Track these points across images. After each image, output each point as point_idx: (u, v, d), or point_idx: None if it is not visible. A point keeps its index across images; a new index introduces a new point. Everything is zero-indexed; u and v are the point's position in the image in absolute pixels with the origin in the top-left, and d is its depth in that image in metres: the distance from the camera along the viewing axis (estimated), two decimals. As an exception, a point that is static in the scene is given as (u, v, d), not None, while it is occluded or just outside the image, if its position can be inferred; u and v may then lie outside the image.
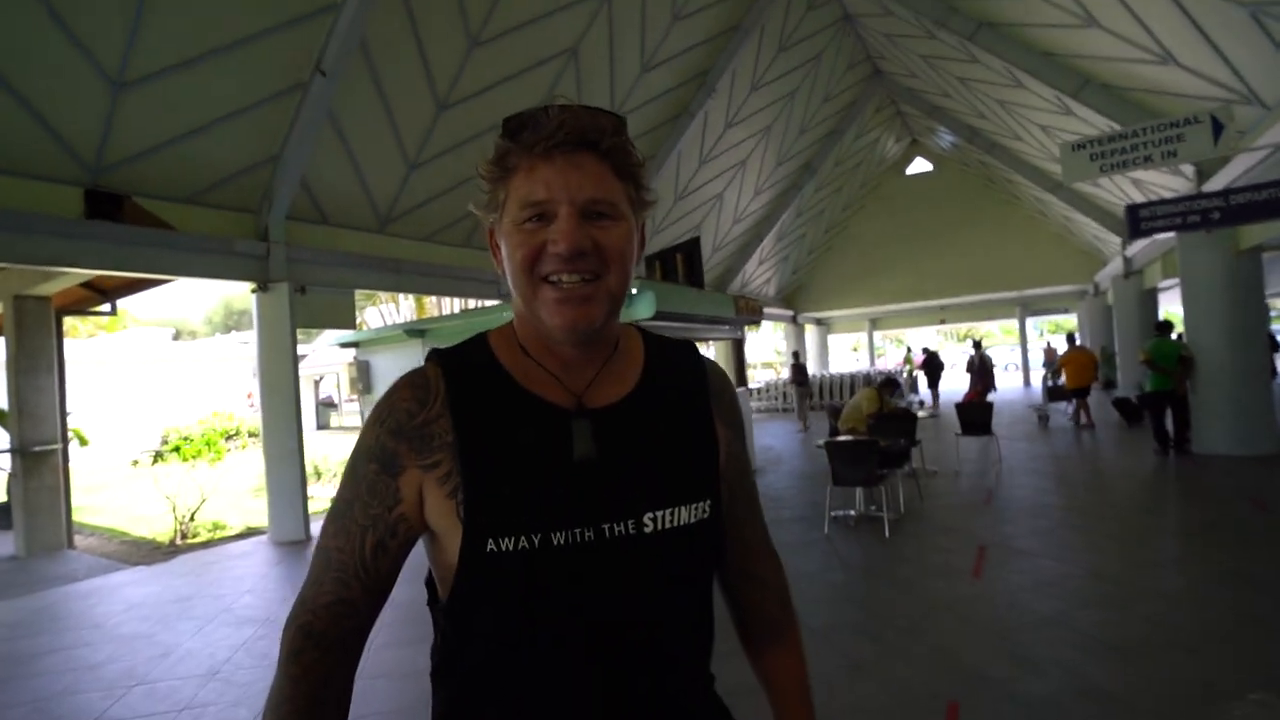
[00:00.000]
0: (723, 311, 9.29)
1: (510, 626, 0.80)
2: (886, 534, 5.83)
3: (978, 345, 16.45)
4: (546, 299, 0.78)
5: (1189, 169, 8.66)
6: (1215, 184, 7.70)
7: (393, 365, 10.05)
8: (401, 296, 23.92)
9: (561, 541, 0.78)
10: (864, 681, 3.27)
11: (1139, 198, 10.56)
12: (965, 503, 6.91)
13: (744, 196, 15.31)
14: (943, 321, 23.44)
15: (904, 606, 4.21)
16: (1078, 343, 12.73)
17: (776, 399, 19.98)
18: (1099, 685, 3.07)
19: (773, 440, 13.21)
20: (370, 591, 0.82)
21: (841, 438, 6.78)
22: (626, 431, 0.84)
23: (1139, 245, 12.62)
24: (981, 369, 15.59)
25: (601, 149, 0.78)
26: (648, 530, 0.81)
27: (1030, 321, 23.47)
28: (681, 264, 10.10)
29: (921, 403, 15.79)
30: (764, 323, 21.78)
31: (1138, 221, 6.50)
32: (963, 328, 34.06)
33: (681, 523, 0.84)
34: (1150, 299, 14.02)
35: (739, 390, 10.34)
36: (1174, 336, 8.84)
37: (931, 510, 6.68)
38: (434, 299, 22.70)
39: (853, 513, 6.50)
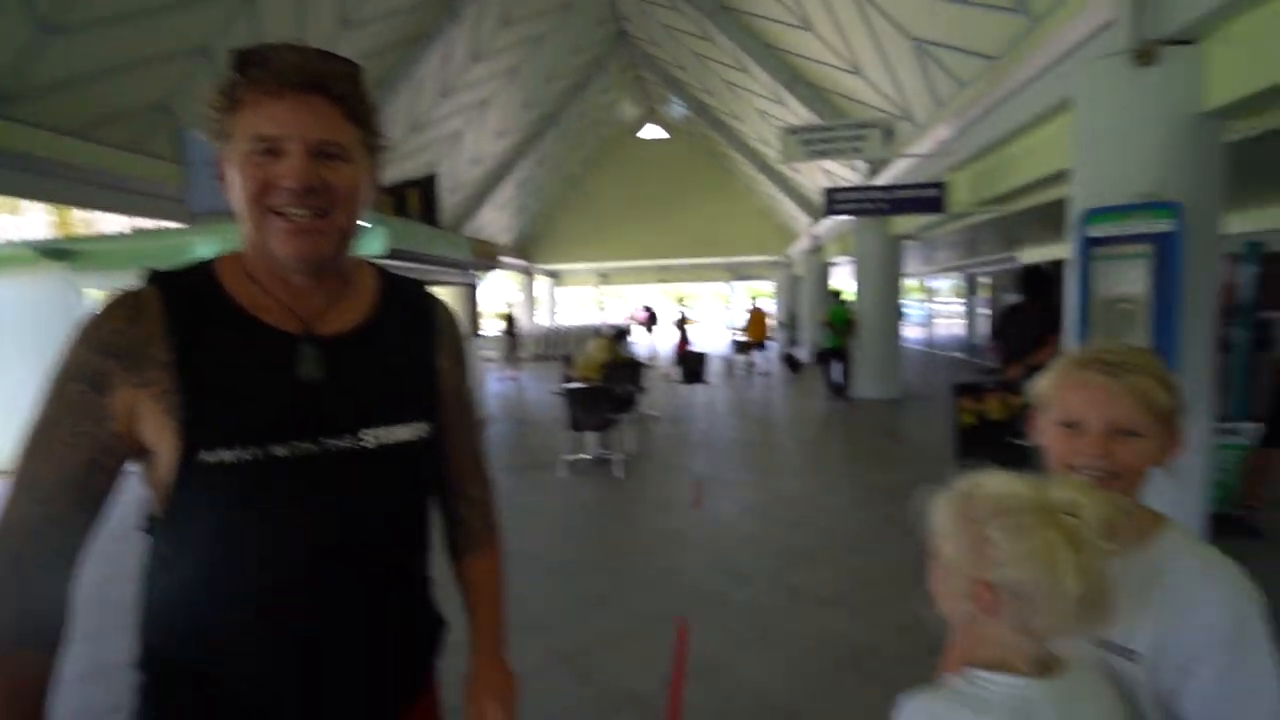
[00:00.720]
0: (459, 254, 8.86)
1: (228, 537, 0.84)
2: (618, 474, 6.20)
3: (679, 302, 18.20)
4: (275, 230, 0.81)
5: (864, 165, 10.48)
6: (881, 180, 9.42)
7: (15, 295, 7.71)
8: (36, 206, 18.49)
9: (284, 454, 0.82)
10: (606, 611, 3.44)
11: (825, 184, 12.48)
12: (684, 444, 7.65)
13: (485, 138, 14.71)
14: (664, 281, 25.43)
15: (637, 540, 4.53)
16: (756, 305, 15.46)
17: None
18: (794, 585, 3.67)
19: (505, 389, 13.21)
20: (80, 507, 0.82)
21: (576, 385, 6.99)
22: (353, 357, 0.90)
23: (823, 226, 14.98)
24: (683, 326, 17.33)
25: (334, 94, 0.81)
26: (367, 445, 0.88)
27: (742, 285, 26.65)
28: (417, 201, 9.39)
29: (654, 354, 17.21)
30: (498, 272, 21.49)
31: (833, 203, 7.72)
32: (689, 289, 37.20)
33: (399, 440, 0.91)
34: (826, 271, 16.86)
35: (472, 338, 10.07)
36: (844, 303, 10.75)
37: (657, 451, 7.28)
38: (88, 214, 17.97)
39: (587, 456, 6.79)
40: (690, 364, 10.07)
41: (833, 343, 10.41)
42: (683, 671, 2.85)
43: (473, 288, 10.48)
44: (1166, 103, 3.55)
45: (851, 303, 10.69)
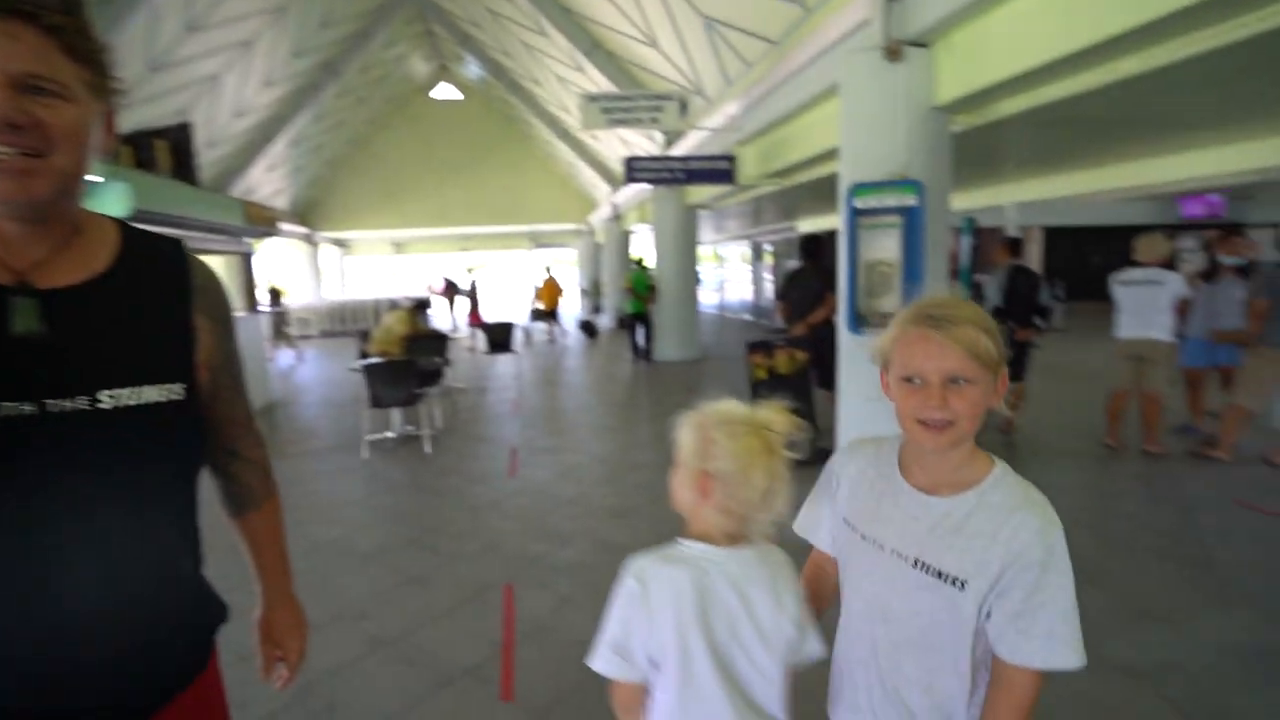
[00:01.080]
0: (229, 218, 7.80)
1: None
2: (427, 450, 5.97)
3: (467, 271, 17.57)
4: None
5: (660, 136, 10.89)
6: (676, 151, 9.87)
7: None
8: None
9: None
10: (427, 591, 3.33)
11: (624, 153, 12.79)
12: (495, 414, 7.55)
13: (250, 86, 12.91)
14: (465, 250, 24.51)
15: (453, 514, 4.42)
16: (551, 274, 15.51)
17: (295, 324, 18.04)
18: (614, 541, 3.83)
19: (291, 368, 11.99)
20: None
21: (375, 360, 6.56)
22: (86, 312, 0.84)
23: (623, 193, 15.36)
24: (474, 296, 16.83)
25: (43, 24, 0.74)
26: (104, 407, 0.82)
27: (544, 254, 26.44)
28: (166, 153, 8.03)
29: (455, 326, 16.52)
30: (275, 240, 19.24)
31: (633, 171, 7.94)
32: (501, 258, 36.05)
33: (147, 401, 0.85)
34: (627, 239, 17.37)
35: (253, 314, 8.97)
36: (645, 269, 11.19)
37: (466, 424, 7.10)
38: None
39: (391, 434, 6.43)
40: (495, 334, 9.91)
41: (635, 308, 10.82)
42: (513, 636, 2.87)
43: (247, 257, 9.27)
44: (910, 95, 4.14)
45: (651, 269, 11.17)
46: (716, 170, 7.92)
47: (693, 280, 11.54)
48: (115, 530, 0.85)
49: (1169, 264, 5.01)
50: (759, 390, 5.20)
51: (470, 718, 2.34)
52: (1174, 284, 4.86)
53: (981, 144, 5.90)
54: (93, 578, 0.83)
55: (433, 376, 7.10)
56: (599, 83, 10.71)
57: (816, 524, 1.15)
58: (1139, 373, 4.96)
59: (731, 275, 20.98)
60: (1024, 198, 10.60)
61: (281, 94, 14.14)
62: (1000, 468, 0.97)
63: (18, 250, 0.82)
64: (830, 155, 6.29)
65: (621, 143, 13.35)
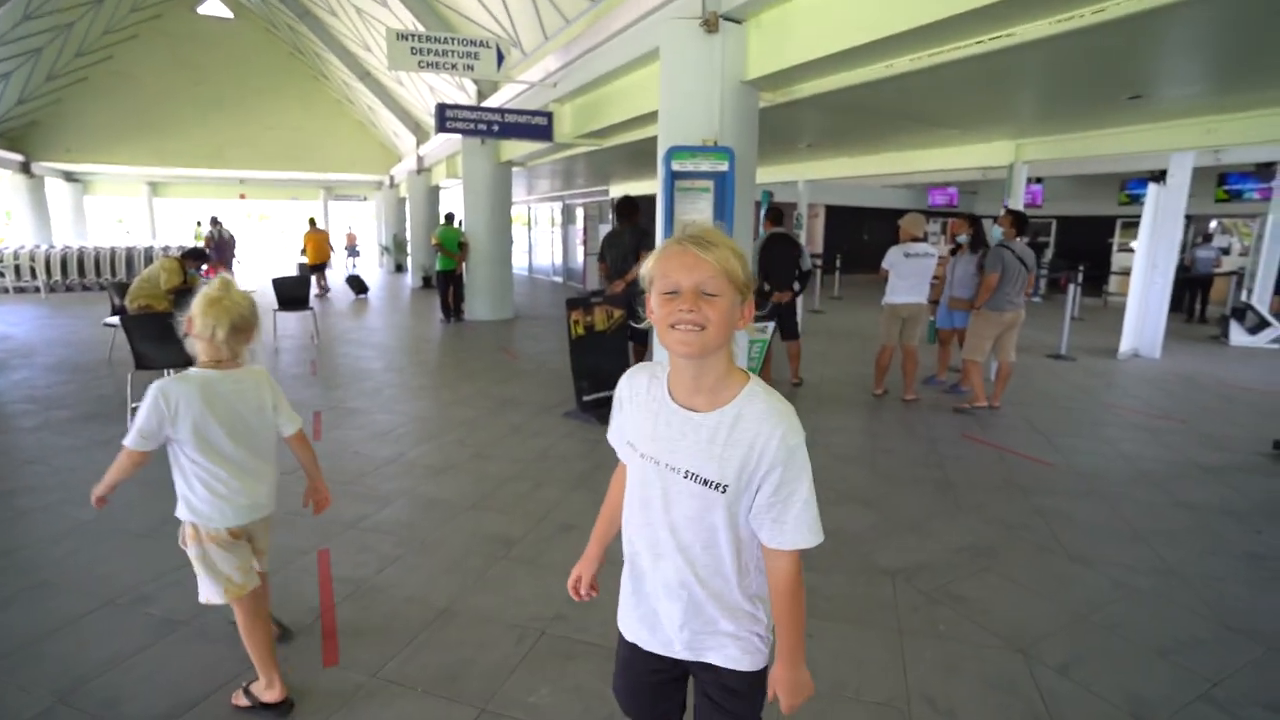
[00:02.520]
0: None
1: None
2: (212, 416, 5.30)
3: (215, 221, 15.58)
4: None
5: (472, 87, 10.39)
6: (490, 103, 9.51)
7: None
8: None
9: None
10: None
11: (433, 101, 12.05)
12: (292, 375, 6.88)
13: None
14: (243, 197, 21.62)
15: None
16: (318, 226, 14.84)
17: (9, 273, 14.69)
18: (435, 496, 3.75)
19: (12, 328, 9.84)
20: None
21: (134, 314, 5.66)
22: None
23: (429, 146, 14.48)
24: (221, 245, 15.03)
25: None
26: None
27: (341, 206, 24.09)
28: None
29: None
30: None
31: (444, 119, 7.49)
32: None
33: None
34: (435, 194, 16.46)
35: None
36: (455, 226, 10.73)
37: (258, 387, 6.38)
38: None
39: (164, 399, 5.60)
40: (287, 289, 8.92)
41: (445, 265, 10.38)
42: (330, 598, 2.72)
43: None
44: (724, 67, 4.40)
45: (462, 227, 10.75)
46: (534, 126, 7.78)
47: (507, 239, 11.31)
48: None
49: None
50: (577, 346, 5.30)
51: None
52: (936, 258, 5.83)
53: (781, 122, 6.44)
54: None
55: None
56: (404, 20, 9.94)
57: (617, 440, 1.25)
58: (903, 333, 5.84)
59: (541, 237, 20.82)
60: (812, 176, 11.80)
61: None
62: (752, 382, 1.10)
63: None
64: (648, 119, 6.49)
65: (430, 90, 12.54)
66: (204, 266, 8.24)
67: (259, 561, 2.16)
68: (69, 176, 18.88)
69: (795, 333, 6.21)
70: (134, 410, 5.23)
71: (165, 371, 5.48)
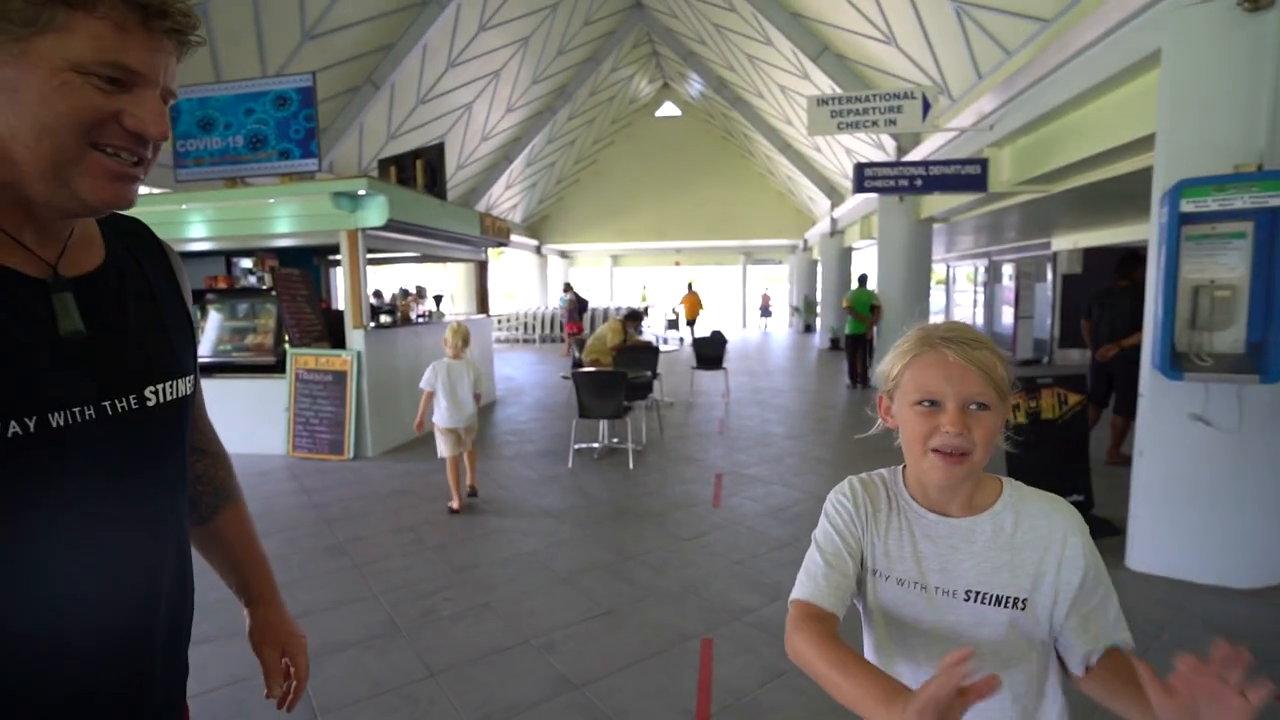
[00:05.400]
0: (467, 228, 8.44)
1: (16, 522, 0.70)
2: (630, 465, 5.81)
3: (568, 287, 17.28)
4: (96, 168, 0.70)
5: (890, 145, 9.93)
6: (913, 157, 8.89)
7: None
8: None
9: (61, 422, 0.71)
10: (618, 628, 3.05)
11: (849, 163, 11.93)
12: (700, 433, 7.24)
13: (495, 112, 14.21)
14: (677, 264, 24.90)
15: (651, 542, 4.13)
16: (693, 288, 18.10)
17: (518, 329, 19.56)
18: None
19: (513, 371, 12.83)
20: None
21: (587, 369, 6.59)
22: (107, 304, 0.79)
23: (844, 209, 14.42)
24: (576, 307, 16.40)
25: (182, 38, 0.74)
26: (151, 404, 0.80)
27: (757, 270, 26.05)
28: (422, 172, 8.93)
29: (666, 339, 16.79)
30: (509, 251, 21.07)
31: (863, 178, 7.21)
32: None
33: (180, 395, 0.85)
34: (847, 255, 16.30)
35: (483, 317, 9.67)
36: (868, 288, 10.25)
37: (671, 441, 6.87)
38: None
39: (597, 445, 6.40)
40: (706, 348, 9.66)
41: (855, 329, 9.93)
42: (708, 708, 2.46)
43: (482, 265, 10.06)
44: (1278, 56, 3.06)
45: (874, 289, 10.21)
46: (965, 176, 6.89)
47: (924, 302, 10.34)
48: (167, 521, 0.84)
49: None
50: (1016, 439, 4.25)
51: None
52: None
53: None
54: (172, 579, 0.85)
55: (642, 389, 7.01)
56: (825, 89, 10.07)
57: (821, 591, 0.96)
58: None
59: (962, 298, 18.81)
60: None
61: (521, 117, 15.38)
62: (1007, 480, 0.97)
63: (51, 240, 0.76)
64: (1118, 153, 5.12)
65: (847, 153, 12.50)
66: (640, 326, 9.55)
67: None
68: (563, 254, 24.47)
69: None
70: (575, 451, 6.13)
71: (600, 423, 6.31)
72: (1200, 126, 3.27)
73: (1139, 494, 3.62)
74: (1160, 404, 3.49)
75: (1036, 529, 0.91)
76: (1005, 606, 0.89)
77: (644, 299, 23.37)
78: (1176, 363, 3.29)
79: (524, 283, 23.88)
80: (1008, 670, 0.88)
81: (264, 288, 7.01)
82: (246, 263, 7.49)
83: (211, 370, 6.66)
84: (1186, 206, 3.13)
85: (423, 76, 11.31)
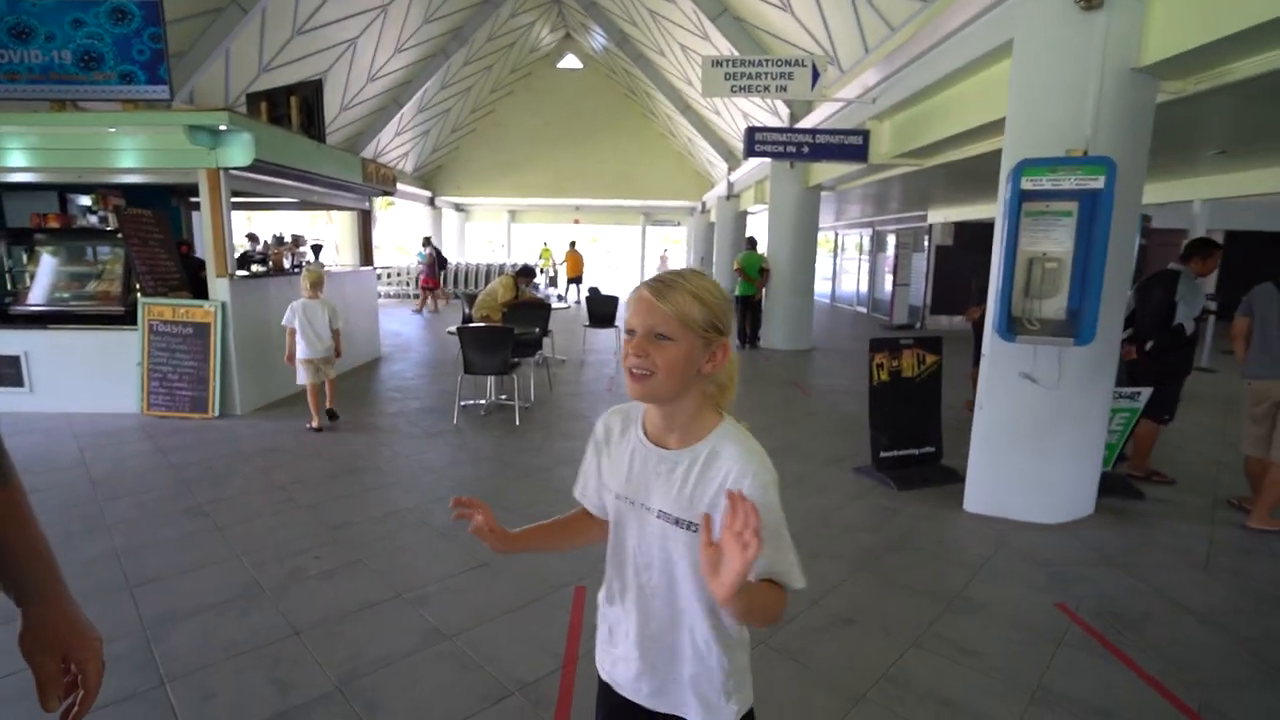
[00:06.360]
0: (348, 175, 7.92)
1: None
2: (517, 422, 5.79)
3: (427, 241, 16.98)
4: None
5: (784, 111, 10.17)
6: (804, 125, 9.16)
7: None
8: None
9: None
10: (494, 580, 3.08)
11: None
12: (590, 390, 7.30)
13: (383, 51, 13.29)
14: (576, 221, 24.59)
15: (533, 495, 4.17)
16: (575, 246, 18.10)
17: (408, 283, 18.74)
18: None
19: (400, 326, 12.36)
20: None
21: (475, 324, 6.46)
22: None
23: (740, 173, 14.69)
24: (435, 262, 16.18)
25: None
26: None
27: (656, 230, 26.12)
28: (297, 110, 8.25)
29: (560, 296, 16.63)
30: (401, 202, 20.03)
31: (754, 143, 7.36)
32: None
33: None
34: (742, 220, 16.69)
35: (366, 269, 9.19)
36: (758, 251, 10.56)
37: (560, 398, 6.89)
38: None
39: (484, 402, 6.32)
40: (599, 306, 9.68)
41: (744, 291, 10.25)
42: (576, 650, 2.55)
43: (365, 214, 9.50)
44: (1106, 52, 3.37)
45: (764, 252, 10.53)
46: (847, 146, 7.20)
47: (810, 267, 10.79)
48: None
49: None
50: (879, 394, 4.59)
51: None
52: None
53: (1179, 122, 4.91)
54: None
55: (531, 346, 6.95)
56: (722, 49, 10.14)
57: (583, 491, 1.28)
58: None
59: (847, 264, 19.79)
60: (1217, 194, 9.03)
61: (412, 59, 14.48)
62: (727, 422, 1.09)
63: None
64: (982, 132, 5.50)
65: (744, 117, 12.69)
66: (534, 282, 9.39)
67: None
68: (458, 207, 23.50)
69: (1159, 412, 4.47)
70: (461, 407, 6.03)
71: (488, 380, 6.22)
72: (1041, 112, 3.58)
73: (977, 444, 4.02)
74: (998, 362, 3.87)
75: (722, 469, 1.02)
76: (683, 528, 1.04)
77: (545, 256, 22.95)
78: (1011, 326, 3.65)
79: (417, 236, 22.81)
80: (693, 576, 1.05)
81: (108, 229, 6.30)
82: (85, 200, 6.70)
83: (47, 320, 5.97)
84: (1026, 184, 3.44)
85: (299, 4, 10.37)
